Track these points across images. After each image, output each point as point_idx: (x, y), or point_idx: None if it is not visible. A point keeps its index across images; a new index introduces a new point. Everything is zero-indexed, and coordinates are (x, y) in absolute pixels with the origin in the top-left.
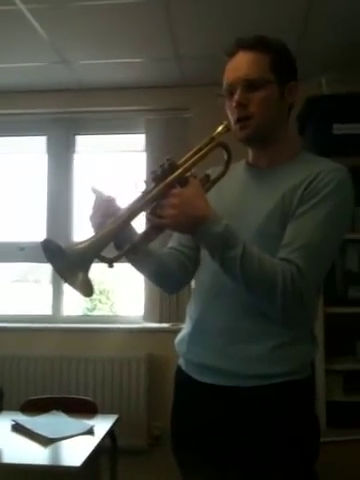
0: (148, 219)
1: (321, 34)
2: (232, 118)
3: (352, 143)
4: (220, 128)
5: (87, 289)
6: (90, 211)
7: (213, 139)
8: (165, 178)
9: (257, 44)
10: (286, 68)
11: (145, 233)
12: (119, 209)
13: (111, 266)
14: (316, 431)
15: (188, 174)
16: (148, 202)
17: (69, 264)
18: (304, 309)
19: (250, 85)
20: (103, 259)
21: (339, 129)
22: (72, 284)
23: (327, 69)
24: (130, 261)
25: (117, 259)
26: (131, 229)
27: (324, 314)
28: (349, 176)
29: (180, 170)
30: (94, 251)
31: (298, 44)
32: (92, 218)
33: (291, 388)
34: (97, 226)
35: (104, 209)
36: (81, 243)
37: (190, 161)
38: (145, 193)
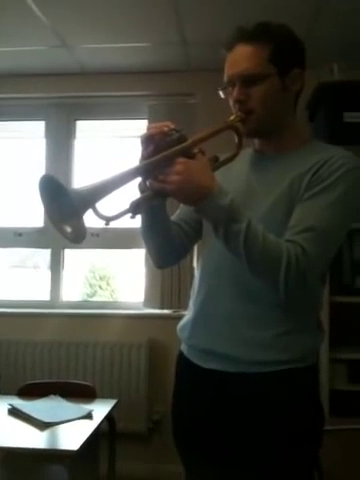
0: (151, 184)
1: (333, 19)
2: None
3: None
4: (233, 117)
5: (78, 235)
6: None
7: (225, 124)
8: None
9: (257, 35)
10: (288, 56)
11: (145, 197)
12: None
13: (107, 224)
14: (319, 419)
15: (196, 150)
16: (153, 164)
17: (66, 206)
18: (307, 292)
19: (248, 80)
20: (101, 216)
21: (350, 117)
22: (64, 226)
23: (339, 56)
24: (147, 215)
25: (115, 218)
26: None
27: (330, 303)
28: (359, 164)
29: (189, 141)
30: (94, 197)
31: (309, 30)
32: (144, 137)
33: (294, 376)
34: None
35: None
36: (82, 187)
37: (199, 136)
38: (149, 157)
